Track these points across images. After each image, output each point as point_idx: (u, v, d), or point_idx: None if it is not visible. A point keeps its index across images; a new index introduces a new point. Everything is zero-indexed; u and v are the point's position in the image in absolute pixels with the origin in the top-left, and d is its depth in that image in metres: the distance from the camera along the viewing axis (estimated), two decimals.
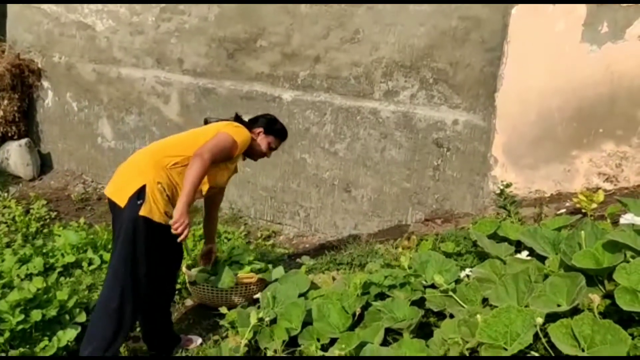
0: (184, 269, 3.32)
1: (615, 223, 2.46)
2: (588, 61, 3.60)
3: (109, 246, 3.86)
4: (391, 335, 2.09)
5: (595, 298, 1.64)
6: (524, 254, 2.28)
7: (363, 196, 4.73)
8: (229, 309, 2.61)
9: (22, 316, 2.77)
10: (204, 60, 5.29)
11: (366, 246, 3.82)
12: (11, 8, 6.41)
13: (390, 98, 4.52)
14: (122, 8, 5.65)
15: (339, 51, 4.65)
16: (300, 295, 2.57)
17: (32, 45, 6.33)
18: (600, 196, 2.83)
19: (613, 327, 1.52)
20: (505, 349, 1.62)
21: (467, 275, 2.32)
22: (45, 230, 5.05)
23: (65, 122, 6.26)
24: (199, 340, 3.07)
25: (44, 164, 6.36)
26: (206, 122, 3.03)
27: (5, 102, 6.06)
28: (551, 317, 1.68)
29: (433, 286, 2.31)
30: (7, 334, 2.71)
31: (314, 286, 2.83)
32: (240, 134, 2.83)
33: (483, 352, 1.64)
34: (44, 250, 4.13)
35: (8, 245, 4.51)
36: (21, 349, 2.67)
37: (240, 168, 5.23)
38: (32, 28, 6.30)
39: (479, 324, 1.69)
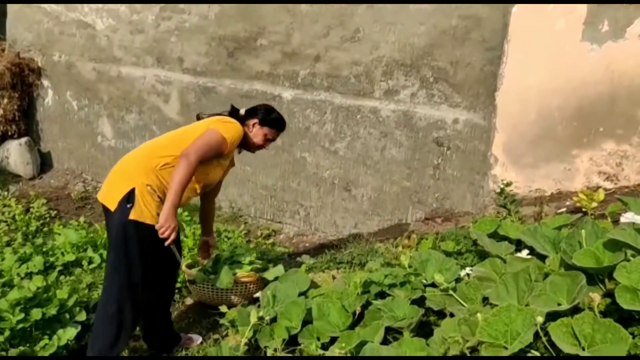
0: (184, 267, 3.31)
1: (615, 222, 2.46)
2: (588, 60, 3.59)
3: None
4: (391, 334, 2.09)
5: (596, 297, 1.64)
6: (524, 253, 2.28)
7: (363, 195, 4.73)
8: (229, 307, 2.61)
9: (22, 315, 2.77)
10: (204, 59, 5.29)
11: (366, 245, 3.81)
12: (11, 7, 6.41)
13: (391, 97, 4.52)
14: (122, 7, 5.64)
15: (339, 50, 4.65)
16: (300, 294, 2.57)
17: (32, 44, 6.33)
18: (601, 195, 2.83)
19: (613, 326, 1.51)
20: (506, 348, 1.62)
21: (468, 274, 2.32)
22: (45, 229, 5.05)
23: (65, 120, 6.26)
24: (199, 339, 3.07)
25: (44, 163, 6.36)
26: (198, 118, 2.95)
27: (5, 100, 6.06)
28: (551, 316, 1.68)
29: (433, 285, 2.32)
30: (7, 333, 2.71)
31: (314, 285, 2.83)
32: (229, 130, 2.73)
33: (483, 351, 1.64)
34: (44, 249, 4.13)
35: (8, 244, 4.51)
36: (21, 348, 2.67)
37: (240, 167, 5.27)
38: (32, 27, 6.30)
39: (479, 323, 1.69)
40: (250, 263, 3.35)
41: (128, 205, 2.51)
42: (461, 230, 3.23)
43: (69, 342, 2.82)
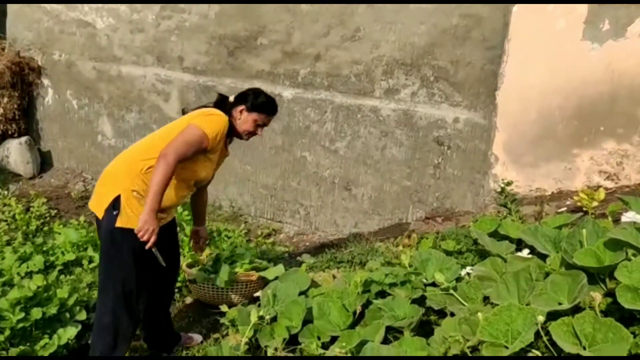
0: (184, 267, 3.31)
1: (616, 221, 2.46)
2: (589, 59, 3.59)
3: None
4: (392, 333, 2.09)
5: (597, 296, 1.64)
6: (524, 252, 2.28)
7: (363, 194, 4.73)
8: (230, 307, 2.61)
9: (23, 314, 2.76)
10: (204, 58, 5.29)
11: (366, 244, 3.81)
12: (11, 6, 6.40)
13: (391, 96, 4.52)
14: (122, 6, 5.64)
15: (340, 49, 4.65)
16: (300, 294, 2.57)
17: (32, 43, 6.33)
18: (601, 194, 2.83)
19: (614, 326, 1.51)
20: (507, 347, 1.62)
21: (468, 274, 2.32)
22: (45, 228, 5.05)
23: (65, 120, 6.26)
24: (200, 339, 3.06)
25: (44, 162, 6.35)
26: (184, 112, 2.81)
27: (6, 99, 6.05)
28: (552, 316, 1.68)
29: (434, 284, 2.31)
30: (7, 332, 2.71)
31: (314, 284, 2.83)
32: (210, 123, 2.58)
33: (484, 351, 1.64)
34: (44, 248, 4.13)
35: (8, 243, 4.51)
36: (21, 347, 2.67)
37: (240, 166, 5.27)
38: (32, 26, 6.29)
39: (480, 322, 1.69)
40: (251, 262, 3.35)
41: (114, 213, 2.44)
42: (462, 230, 3.23)
43: (69, 341, 2.82)
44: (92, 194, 2.68)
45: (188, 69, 5.38)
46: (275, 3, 4.83)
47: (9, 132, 6.16)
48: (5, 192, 5.61)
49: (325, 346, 2.10)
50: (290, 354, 2.12)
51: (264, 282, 3.14)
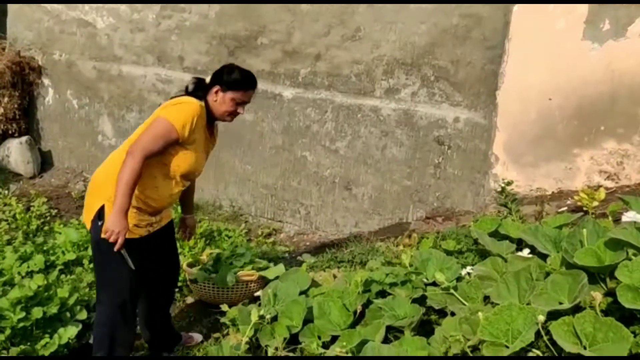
0: (184, 266, 3.32)
1: (616, 221, 2.46)
2: (589, 59, 3.59)
3: None
4: (392, 333, 2.09)
5: (597, 296, 1.64)
6: (525, 252, 2.28)
7: (364, 194, 4.73)
8: (230, 306, 2.61)
9: (23, 314, 2.76)
10: (204, 58, 5.29)
11: (367, 244, 3.81)
12: (11, 5, 6.40)
13: (391, 96, 4.52)
14: (122, 5, 5.64)
15: (340, 49, 4.65)
16: (301, 293, 2.57)
17: (32, 42, 6.33)
18: (602, 194, 2.83)
19: (615, 325, 1.51)
20: (507, 347, 1.62)
21: (468, 273, 2.32)
22: (45, 228, 5.05)
23: (65, 119, 6.26)
24: (200, 338, 3.07)
25: (44, 162, 6.35)
26: None
27: (6, 99, 6.05)
28: (553, 315, 1.68)
29: (434, 284, 2.31)
30: (8, 332, 2.71)
31: (314, 284, 2.83)
32: (178, 113, 2.42)
33: (484, 350, 1.64)
34: (45, 248, 4.13)
35: (9, 242, 4.51)
36: (22, 347, 2.67)
37: (241, 166, 5.27)
38: (32, 25, 6.29)
39: (481, 322, 1.69)
40: (251, 262, 3.35)
41: (99, 223, 2.37)
42: (462, 229, 3.23)
43: (70, 340, 2.82)
44: None
45: (188, 68, 5.38)
46: (275, 3, 4.82)
47: (10, 132, 6.17)
48: (6, 192, 5.62)
49: (325, 346, 2.10)
50: (291, 354, 2.12)
51: (264, 282, 3.14)
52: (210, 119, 2.61)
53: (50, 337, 2.79)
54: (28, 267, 3.81)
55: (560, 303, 1.75)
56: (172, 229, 2.84)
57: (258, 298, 2.66)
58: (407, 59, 4.41)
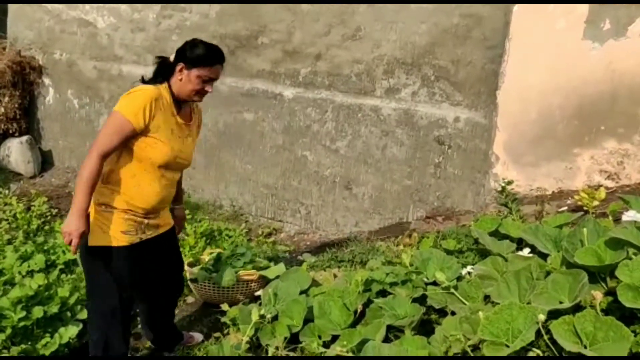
0: (185, 266, 3.31)
1: (617, 220, 2.46)
2: (589, 59, 3.59)
3: None
4: (393, 332, 2.09)
5: (598, 295, 1.64)
6: (525, 252, 2.27)
7: (364, 194, 4.73)
8: (231, 306, 2.61)
9: (24, 313, 2.76)
10: None
11: (367, 244, 3.81)
12: (12, 5, 6.41)
13: (392, 95, 4.52)
14: (123, 5, 5.65)
15: (340, 48, 4.65)
16: (301, 293, 2.57)
17: (33, 42, 6.33)
18: (602, 194, 2.83)
19: (615, 324, 1.51)
20: (507, 346, 1.62)
21: (469, 273, 2.32)
22: (46, 227, 5.05)
23: (66, 119, 6.26)
24: (201, 337, 3.06)
25: (44, 161, 6.36)
26: None
27: (6, 99, 6.06)
28: (553, 314, 1.68)
29: (434, 283, 2.31)
30: (8, 331, 2.71)
31: (315, 283, 2.83)
32: (128, 103, 2.30)
33: (485, 349, 1.64)
34: (45, 247, 4.13)
35: (9, 242, 4.51)
36: (23, 346, 2.67)
37: (241, 166, 5.27)
38: (33, 25, 6.30)
39: (481, 321, 1.69)
40: (252, 261, 3.35)
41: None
42: (462, 229, 3.23)
43: (71, 340, 2.83)
44: None
45: None
46: (275, 2, 4.83)
47: (10, 132, 6.17)
48: (6, 191, 5.62)
49: (326, 345, 2.10)
50: (291, 353, 2.12)
51: (264, 281, 3.14)
52: (178, 101, 2.47)
53: (51, 337, 2.79)
54: (29, 266, 3.81)
55: (561, 302, 1.75)
56: (173, 235, 2.75)
57: (258, 297, 2.66)
58: (407, 59, 4.41)
